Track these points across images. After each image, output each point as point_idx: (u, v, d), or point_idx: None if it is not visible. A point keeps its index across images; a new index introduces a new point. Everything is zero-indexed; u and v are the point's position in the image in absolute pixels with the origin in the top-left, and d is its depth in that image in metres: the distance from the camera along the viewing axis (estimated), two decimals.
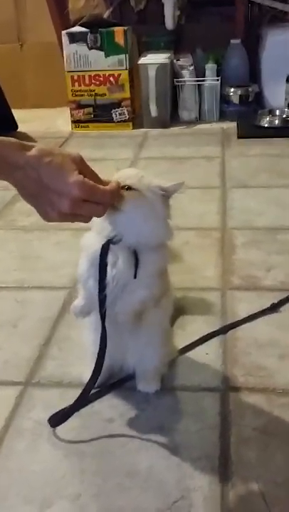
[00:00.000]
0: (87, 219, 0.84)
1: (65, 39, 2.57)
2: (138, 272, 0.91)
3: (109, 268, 0.91)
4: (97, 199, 0.80)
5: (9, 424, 0.99)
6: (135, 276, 0.91)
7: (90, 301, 0.95)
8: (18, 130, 2.67)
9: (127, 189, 0.87)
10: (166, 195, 0.91)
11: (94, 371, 0.96)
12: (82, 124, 2.67)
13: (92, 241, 0.93)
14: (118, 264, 0.91)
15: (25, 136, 2.60)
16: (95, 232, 0.94)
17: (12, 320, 1.29)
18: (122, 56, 2.54)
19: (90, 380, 0.97)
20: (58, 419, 0.98)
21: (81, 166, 0.80)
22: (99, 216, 0.83)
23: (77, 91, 2.63)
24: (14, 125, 2.67)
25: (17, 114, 2.69)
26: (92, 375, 0.96)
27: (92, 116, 2.65)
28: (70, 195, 0.77)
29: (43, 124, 2.79)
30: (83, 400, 0.97)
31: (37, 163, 0.76)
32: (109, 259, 0.91)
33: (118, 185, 0.85)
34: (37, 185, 0.77)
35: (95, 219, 0.86)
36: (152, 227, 0.91)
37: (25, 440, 0.96)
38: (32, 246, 1.63)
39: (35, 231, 1.68)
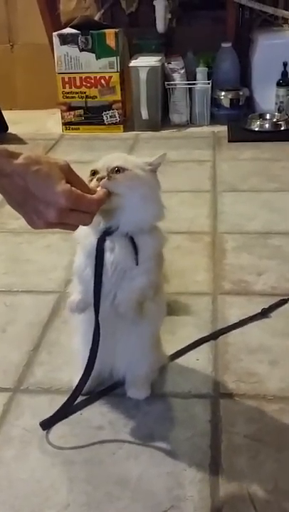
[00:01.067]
0: (74, 227, 0.83)
1: (56, 41, 2.55)
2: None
3: (107, 255, 0.89)
4: (84, 208, 0.79)
5: None
6: (137, 263, 0.90)
7: (87, 296, 0.93)
8: (9, 131, 2.65)
9: (117, 171, 0.86)
10: (153, 169, 0.91)
11: (87, 366, 0.95)
12: (73, 126, 2.66)
13: (86, 232, 0.91)
14: (116, 251, 0.89)
15: (15, 138, 2.59)
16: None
17: (0, 324, 1.27)
18: (113, 58, 2.53)
19: (82, 375, 0.96)
20: (49, 420, 0.97)
21: (68, 174, 0.79)
22: (86, 225, 0.82)
23: (68, 93, 2.61)
24: (4, 126, 2.65)
25: (7, 115, 2.67)
26: (84, 370, 0.96)
27: (83, 118, 2.64)
28: (56, 204, 0.76)
29: (34, 125, 2.77)
30: (75, 398, 0.96)
31: (24, 171, 0.75)
32: (107, 245, 0.89)
33: (105, 194, 0.84)
34: (23, 194, 0.76)
35: None
36: (149, 206, 0.90)
37: (13, 448, 0.95)
38: (21, 249, 1.61)
39: (24, 234, 1.67)
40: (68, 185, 0.77)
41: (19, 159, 0.76)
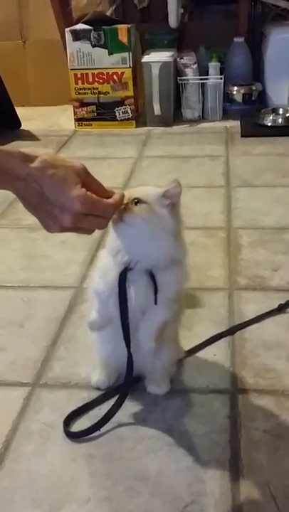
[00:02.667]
0: (89, 232, 0.83)
1: (68, 37, 2.55)
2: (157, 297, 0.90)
3: (128, 295, 0.90)
4: (99, 213, 0.79)
5: (17, 427, 0.99)
6: (156, 302, 0.90)
7: (105, 316, 0.95)
8: (21, 128, 2.66)
9: (136, 203, 0.86)
10: (172, 203, 0.88)
11: (120, 397, 0.97)
12: (86, 122, 2.66)
13: (108, 266, 0.91)
14: (137, 291, 0.90)
15: (28, 134, 2.60)
16: (108, 253, 0.92)
17: (18, 320, 1.28)
18: (126, 54, 2.53)
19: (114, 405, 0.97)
20: (87, 430, 0.96)
21: (85, 177, 0.79)
22: (101, 228, 0.82)
23: (80, 89, 2.61)
24: (17, 123, 2.66)
25: (20, 111, 2.67)
26: (117, 400, 0.97)
27: (96, 114, 2.64)
28: (71, 209, 0.76)
29: (46, 121, 2.78)
30: (119, 407, 0.97)
31: (39, 175, 0.75)
32: (128, 285, 0.90)
33: (121, 198, 0.84)
34: (39, 198, 0.76)
35: (108, 239, 0.87)
36: (164, 241, 0.88)
37: (33, 443, 0.95)
38: (37, 245, 1.62)
39: (39, 230, 1.62)
40: (84, 189, 0.77)
41: (35, 163, 0.76)
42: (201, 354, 1.13)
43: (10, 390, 1.07)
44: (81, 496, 0.86)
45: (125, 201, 0.86)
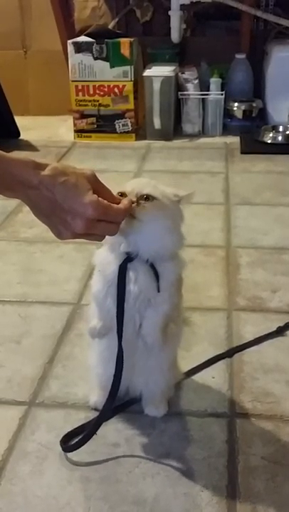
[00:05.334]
0: (100, 238, 0.84)
1: (70, 48, 2.56)
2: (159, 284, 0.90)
3: (130, 285, 0.90)
4: (110, 218, 0.80)
5: (13, 446, 0.98)
6: (159, 290, 0.90)
7: (108, 322, 0.93)
8: (21, 138, 2.66)
9: (145, 199, 0.87)
10: (179, 201, 0.90)
11: (111, 392, 0.94)
12: (85, 134, 2.66)
13: (107, 259, 0.92)
14: (139, 280, 0.90)
15: (27, 144, 2.60)
16: (107, 247, 0.93)
17: (15, 336, 1.27)
18: (127, 67, 2.54)
19: (106, 402, 0.95)
20: (73, 445, 0.96)
21: (95, 183, 0.79)
22: (112, 235, 0.83)
23: (81, 101, 2.62)
24: (17, 132, 2.66)
25: (19, 121, 2.67)
26: (108, 397, 0.95)
27: (96, 126, 2.64)
28: (84, 215, 0.76)
29: (46, 132, 2.78)
30: (100, 424, 0.95)
31: (51, 183, 0.76)
32: (129, 275, 0.90)
33: (130, 203, 0.84)
34: (51, 205, 0.77)
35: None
36: (170, 236, 0.90)
37: (29, 463, 0.95)
38: (35, 259, 1.61)
39: (38, 243, 1.67)
40: (95, 195, 0.78)
41: (46, 171, 0.77)
42: (199, 376, 1.13)
43: (6, 409, 1.06)
44: None
45: (133, 197, 0.86)
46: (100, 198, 0.77)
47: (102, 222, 0.78)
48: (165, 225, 0.89)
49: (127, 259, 0.89)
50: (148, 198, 0.86)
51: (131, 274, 0.90)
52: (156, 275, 0.90)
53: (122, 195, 0.87)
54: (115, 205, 0.80)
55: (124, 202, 0.83)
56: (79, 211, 0.76)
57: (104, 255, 0.93)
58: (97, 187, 0.80)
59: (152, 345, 0.94)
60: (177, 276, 0.93)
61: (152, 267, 0.90)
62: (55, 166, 0.77)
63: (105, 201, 0.78)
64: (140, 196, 0.86)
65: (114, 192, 0.86)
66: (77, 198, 0.76)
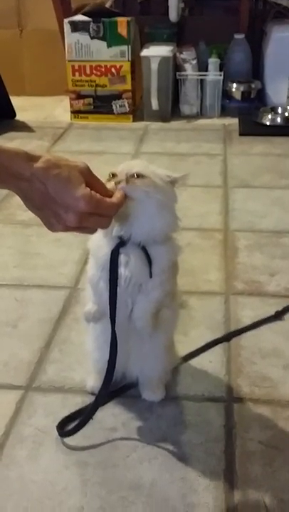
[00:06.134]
0: (92, 231, 0.83)
1: (67, 28, 2.51)
2: (151, 269, 0.89)
3: (121, 269, 0.89)
4: (103, 212, 0.79)
5: (10, 431, 0.97)
6: (151, 276, 0.89)
7: (102, 306, 0.93)
8: (16, 118, 2.62)
9: (136, 177, 0.85)
10: (172, 182, 0.89)
11: (105, 378, 0.94)
12: (82, 115, 2.63)
13: (100, 244, 0.91)
14: (130, 264, 0.89)
15: (23, 125, 2.56)
16: (101, 232, 0.91)
17: (11, 320, 1.26)
18: (125, 47, 2.50)
19: (102, 387, 0.95)
20: (69, 430, 0.96)
21: (88, 176, 0.78)
22: (104, 228, 0.82)
23: (77, 81, 2.58)
24: (12, 113, 2.63)
25: (15, 101, 2.63)
26: (104, 383, 0.94)
27: (92, 107, 2.61)
28: (76, 208, 0.75)
29: (42, 112, 2.75)
30: (96, 410, 0.95)
31: (44, 175, 0.75)
32: (121, 259, 0.89)
33: (122, 196, 0.83)
34: (43, 198, 0.76)
35: None
36: (163, 216, 0.88)
37: (26, 448, 0.94)
38: (31, 242, 1.60)
39: (34, 226, 1.65)
40: (88, 189, 0.77)
41: (38, 163, 0.75)
42: (196, 361, 1.13)
43: (3, 393, 1.06)
44: (74, 505, 0.85)
45: (123, 177, 0.85)
46: (92, 192, 0.77)
47: (94, 215, 0.77)
48: (157, 203, 0.87)
49: (120, 244, 0.88)
50: (138, 176, 0.85)
51: (122, 258, 0.89)
52: (149, 260, 0.89)
53: (114, 175, 0.86)
54: (108, 199, 0.79)
55: (117, 195, 0.82)
56: (71, 204, 0.75)
57: (98, 239, 0.92)
58: (90, 180, 0.79)
59: (142, 330, 0.93)
60: (170, 262, 0.92)
61: (144, 250, 0.89)
62: (48, 158, 0.76)
63: (98, 195, 0.77)
64: (130, 175, 0.85)
65: (107, 173, 0.84)
66: (69, 191, 0.75)
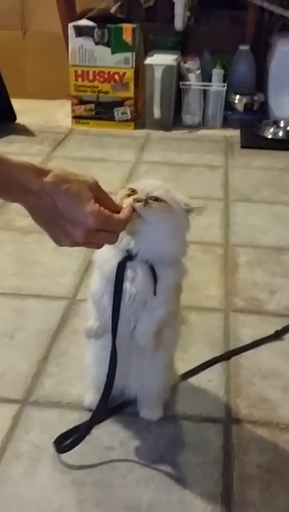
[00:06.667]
0: (99, 246, 0.83)
1: (71, 32, 2.50)
2: (156, 287, 0.89)
3: (127, 284, 0.88)
4: (111, 228, 0.79)
5: (6, 447, 0.96)
6: (155, 293, 0.89)
7: (105, 322, 0.92)
8: (17, 122, 2.61)
9: (154, 200, 0.85)
10: (188, 210, 0.89)
11: (103, 394, 0.93)
12: (83, 121, 2.62)
13: (107, 256, 0.90)
14: (137, 281, 0.88)
15: (24, 129, 2.55)
16: (108, 245, 0.90)
17: (9, 330, 1.25)
18: (129, 54, 2.49)
19: (99, 403, 0.94)
20: (66, 446, 0.94)
21: (97, 191, 0.78)
22: (111, 244, 0.81)
23: (80, 86, 2.57)
24: (13, 116, 2.61)
25: (15, 103, 2.61)
26: (101, 399, 0.93)
27: (94, 113, 2.60)
28: (85, 225, 0.75)
29: (42, 116, 2.73)
30: (93, 426, 0.94)
31: (53, 190, 0.74)
32: (128, 274, 0.88)
33: (130, 212, 0.82)
34: (51, 212, 0.75)
35: None
36: (173, 241, 0.89)
37: (22, 465, 0.93)
38: (30, 249, 1.58)
39: (33, 233, 1.64)
40: (97, 205, 0.76)
41: (48, 177, 0.75)
42: (195, 379, 1.12)
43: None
44: None
45: (143, 195, 0.85)
46: (101, 208, 0.76)
47: (102, 231, 0.77)
48: (169, 229, 0.87)
49: (127, 258, 0.88)
50: (157, 199, 0.85)
51: (129, 273, 0.88)
52: (155, 277, 0.88)
53: (133, 191, 0.85)
54: (116, 215, 0.79)
55: (125, 211, 0.81)
56: (80, 220, 0.75)
57: (105, 251, 0.91)
58: (99, 195, 0.78)
59: (144, 348, 0.93)
60: (176, 283, 0.92)
61: (151, 268, 0.88)
62: (58, 172, 0.75)
63: (106, 211, 0.77)
64: (150, 196, 0.85)
65: (127, 188, 0.85)
66: (78, 207, 0.75)
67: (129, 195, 0.86)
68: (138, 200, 0.84)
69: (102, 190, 0.80)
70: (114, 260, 0.89)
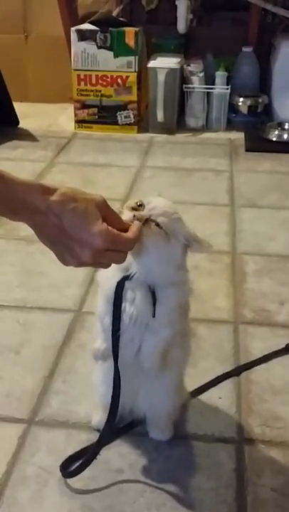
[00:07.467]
0: (107, 265, 0.80)
1: (73, 36, 2.48)
2: (157, 309, 0.86)
3: (127, 306, 0.86)
4: (119, 248, 0.76)
5: (12, 470, 0.93)
6: (154, 315, 0.86)
7: (110, 344, 0.89)
8: (19, 126, 2.58)
9: (155, 224, 0.82)
10: (188, 245, 0.86)
11: (109, 416, 0.90)
12: (86, 125, 2.59)
13: (107, 275, 0.88)
14: (136, 302, 0.86)
15: (26, 134, 2.52)
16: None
17: (14, 345, 1.22)
18: (132, 58, 2.46)
19: (105, 425, 0.91)
20: (72, 471, 0.92)
21: (104, 210, 0.76)
22: (120, 263, 0.79)
23: (83, 90, 2.54)
24: (15, 120, 2.58)
25: (18, 107, 2.59)
26: (107, 421, 0.91)
27: (97, 117, 2.57)
28: (92, 245, 0.73)
29: (45, 120, 2.70)
30: (100, 449, 0.92)
31: (60, 209, 0.72)
32: (128, 295, 0.86)
33: (139, 230, 0.80)
34: (58, 232, 0.73)
35: None
36: (165, 267, 0.85)
37: (29, 489, 0.90)
38: (34, 260, 1.56)
39: (37, 243, 1.56)
40: (105, 225, 0.74)
41: (54, 196, 0.72)
42: (205, 396, 1.09)
43: (5, 426, 1.02)
44: None
45: (144, 214, 0.82)
46: (109, 228, 0.74)
47: (110, 251, 0.75)
48: (160, 256, 0.83)
49: (126, 277, 0.85)
50: (158, 224, 0.82)
51: (128, 295, 0.86)
52: (154, 299, 0.86)
53: (140, 206, 0.83)
54: (124, 234, 0.77)
55: (133, 229, 0.79)
56: (88, 241, 0.72)
57: (107, 271, 0.88)
58: (107, 213, 0.76)
59: (150, 370, 0.90)
60: (180, 302, 0.89)
61: (151, 289, 0.85)
62: (64, 191, 0.73)
63: (115, 230, 0.75)
64: (151, 219, 0.82)
65: (138, 200, 0.83)
66: (86, 227, 0.72)
67: (133, 208, 0.83)
68: (138, 218, 0.81)
69: (109, 208, 0.77)
70: (114, 279, 0.86)
